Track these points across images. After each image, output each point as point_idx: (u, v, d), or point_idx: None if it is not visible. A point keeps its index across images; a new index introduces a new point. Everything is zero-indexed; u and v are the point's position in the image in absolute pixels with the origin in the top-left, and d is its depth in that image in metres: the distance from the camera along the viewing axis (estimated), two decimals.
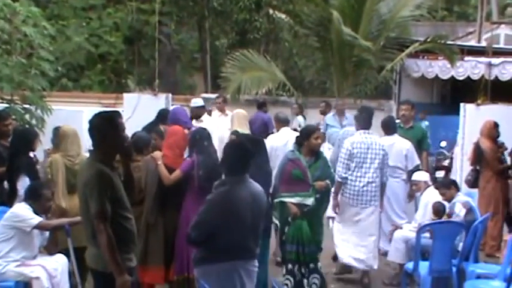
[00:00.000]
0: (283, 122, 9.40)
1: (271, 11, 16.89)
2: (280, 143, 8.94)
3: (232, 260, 4.93)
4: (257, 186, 5.07)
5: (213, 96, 14.11)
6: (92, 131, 4.65)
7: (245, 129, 8.34)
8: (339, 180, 7.80)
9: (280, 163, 7.23)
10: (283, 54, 17.56)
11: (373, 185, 7.85)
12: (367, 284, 8.03)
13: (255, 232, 5.04)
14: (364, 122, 8.13)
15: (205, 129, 7.44)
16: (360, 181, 7.83)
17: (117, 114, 4.77)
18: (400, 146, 9.01)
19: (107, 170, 4.56)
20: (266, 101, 13.31)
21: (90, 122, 4.66)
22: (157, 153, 6.87)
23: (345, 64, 14.46)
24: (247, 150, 5.12)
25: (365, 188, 7.83)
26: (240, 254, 4.98)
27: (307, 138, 7.23)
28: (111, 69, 19.21)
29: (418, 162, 9.11)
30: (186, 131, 7.38)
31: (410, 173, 8.90)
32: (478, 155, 9.46)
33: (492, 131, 9.49)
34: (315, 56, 15.87)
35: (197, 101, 10.97)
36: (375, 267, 8.04)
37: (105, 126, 4.62)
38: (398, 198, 9.08)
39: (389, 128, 9.22)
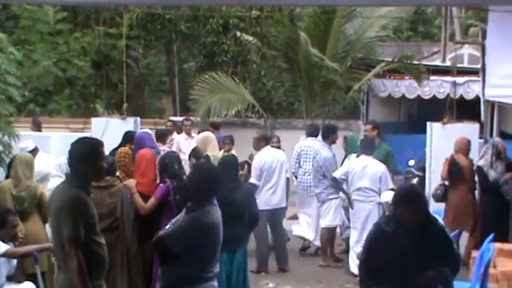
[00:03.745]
0: (266, 140, 9.73)
1: (238, 34, 17.00)
2: (269, 161, 9.40)
3: (212, 281, 5.02)
4: (218, 209, 5.12)
5: (182, 119, 14.11)
6: (72, 155, 4.67)
7: (217, 152, 8.42)
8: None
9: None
10: (251, 76, 17.61)
11: None
12: None
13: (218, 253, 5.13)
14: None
15: (174, 152, 7.44)
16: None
17: (100, 142, 4.82)
18: (374, 168, 9.08)
19: (82, 195, 4.57)
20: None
21: (72, 146, 4.69)
22: (130, 182, 6.82)
23: (313, 85, 14.59)
24: (216, 174, 5.19)
25: None
26: (215, 274, 5.06)
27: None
28: (79, 94, 19.11)
29: (391, 185, 9.15)
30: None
31: None
32: (453, 171, 9.48)
33: (469, 147, 9.60)
34: (283, 77, 15.97)
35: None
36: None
37: (87, 153, 4.64)
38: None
39: (365, 148, 9.32)
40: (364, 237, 8.99)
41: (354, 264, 9.10)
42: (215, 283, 5.07)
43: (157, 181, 6.92)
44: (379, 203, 9.01)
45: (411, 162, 14.33)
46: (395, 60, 14.97)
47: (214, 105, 13.96)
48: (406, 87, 16.09)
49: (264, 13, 17.13)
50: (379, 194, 9.00)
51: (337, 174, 9.28)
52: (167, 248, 4.91)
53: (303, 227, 10.26)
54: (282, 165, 9.55)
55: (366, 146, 9.36)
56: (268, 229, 9.53)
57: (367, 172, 9.04)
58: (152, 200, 6.68)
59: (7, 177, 7.53)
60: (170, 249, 4.90)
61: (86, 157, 4.63)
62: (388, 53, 18.46)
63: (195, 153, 8.49)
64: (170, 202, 6.64)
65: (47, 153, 9.98)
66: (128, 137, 9.21)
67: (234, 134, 11.87)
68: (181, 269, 4.89)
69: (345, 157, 10.12)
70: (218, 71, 15.50)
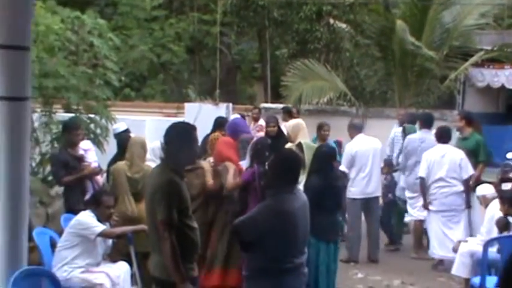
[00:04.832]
0: (359, 129, 9.61)
1: (331, 21, 16.82)
2: (362, 149, 9.28)
3: (292, 273, 4.82)
4: (304, 196, 5.01)
5: (273, 106, 14.13)
6: (167, 140, 4.71)
7: (308, 140, 8.41)
8: None
9: None
10: (343, 63, 17.40)
11: None
12: None
13: (303, 244, 4.96)
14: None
15: (266, 138, 7.46)
16: None
17: (193, 127, 4.86)
18: (453, 156, 8.95)
19: (177, 179, 4.61)
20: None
21: (167, 131, 4.72)
22: (230, 164, 7.03)
23: (407, 74, 14.27)
24: (298, 163, 5.08)
25: None
26: (296, 266, 4.88)
27: None
28: (173, 79, 19.44)
29: (472, 171, 8.97)
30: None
31: (465, 182, 8.87)
32: None
33: None
34: (376, 66, 15.69)
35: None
36: None
37: (181, 137, 4.69)
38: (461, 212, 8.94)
39: (441, 136, 9.12)
40: (448, 228, 8.84)
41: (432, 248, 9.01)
42: (295, 275, 4.83)
43: (247, 165, 7.02)
44: (462, 192, 8.88)
45: (509, 155, 13.78)
46: (495, 48, 14.41)
47: (305, 92, 13.91)
48: (506, 77, 15.48)
49: (358, 0, 16.86)
50: (461, 182, 8.87)
51: (423, 173, 9.05)
52: (241, 236, 4.85)
53: None
54: (376, 153, 9.41)
55: (441, 135, 9.20)
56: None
57: (445, 160, 8.91)
58: (238, 180, 6.91)
59: (116, 159, 7.77)
60: (244, 236, 4.82)
61: (180, 141, 4.66)
62: (486, 41, 17.76)
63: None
64: (255, 187, 6.74)
65: None
66: (219, 123, 9.30)
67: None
68: (257, 258, 4.75)
69: None
70: (310, 58, 15.39)
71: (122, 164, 7.30)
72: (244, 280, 5.01)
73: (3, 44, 4.68)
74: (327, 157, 6.95)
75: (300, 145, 7.97)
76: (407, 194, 9.73)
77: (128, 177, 7.10)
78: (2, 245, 4.61)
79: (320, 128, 9.68)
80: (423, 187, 9.08)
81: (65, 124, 8.18)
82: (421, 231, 9.58)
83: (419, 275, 8.69)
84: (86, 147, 8.18)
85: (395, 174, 10.28)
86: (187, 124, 5.08)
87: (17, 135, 4.80)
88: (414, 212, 9.60)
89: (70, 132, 7.84)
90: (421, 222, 9.50)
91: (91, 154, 8.26)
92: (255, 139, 7.47)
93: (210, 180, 7.06)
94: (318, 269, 6.68)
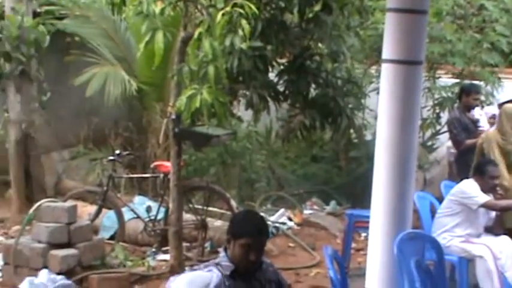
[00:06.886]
0: None
1: None
2: None
3: None
4: None
5: None
6: None
7: None
8: None
9: None
10: None
11: None
12: None
13: None
14: None
15: None
16: None
17: None
18: None
19: None
20: None
21: None
22: None
23: None
24: None
25: None
26: None
27: None
28: None
29: None
30: None
31: None
32: None
33: None
34: None
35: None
36: None
37: None
38: None
39: None
40: None
41: None
42: None
43: None
44: None
45: None
46: None
47: None
48: None
49: None
50: None
51: None
52: None
53: None
54: None
55: None
56: None
57: None
58: None
59: None
60: None
61: None
62: None
63: None
64: None
65: None
66: None
67: None
68: None
69: None
70: None
71: (493, 133, 7.15)
72: None
73: (402, 7, 4.71)
74: None
75: None
76: None
77: (500, 148, 6.91)
78: (391, 206, 4.74)
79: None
80: None
81: (465, 87, 8.44)
82: None
83: None
84: (480, 113, 8.38)
85: None
86: None
87: (410, 98, 4.85)
88: None
89: (469, 96, 8.11)
90: None
91: (483, 119, 8.38)
92: None
93: None
94: None
